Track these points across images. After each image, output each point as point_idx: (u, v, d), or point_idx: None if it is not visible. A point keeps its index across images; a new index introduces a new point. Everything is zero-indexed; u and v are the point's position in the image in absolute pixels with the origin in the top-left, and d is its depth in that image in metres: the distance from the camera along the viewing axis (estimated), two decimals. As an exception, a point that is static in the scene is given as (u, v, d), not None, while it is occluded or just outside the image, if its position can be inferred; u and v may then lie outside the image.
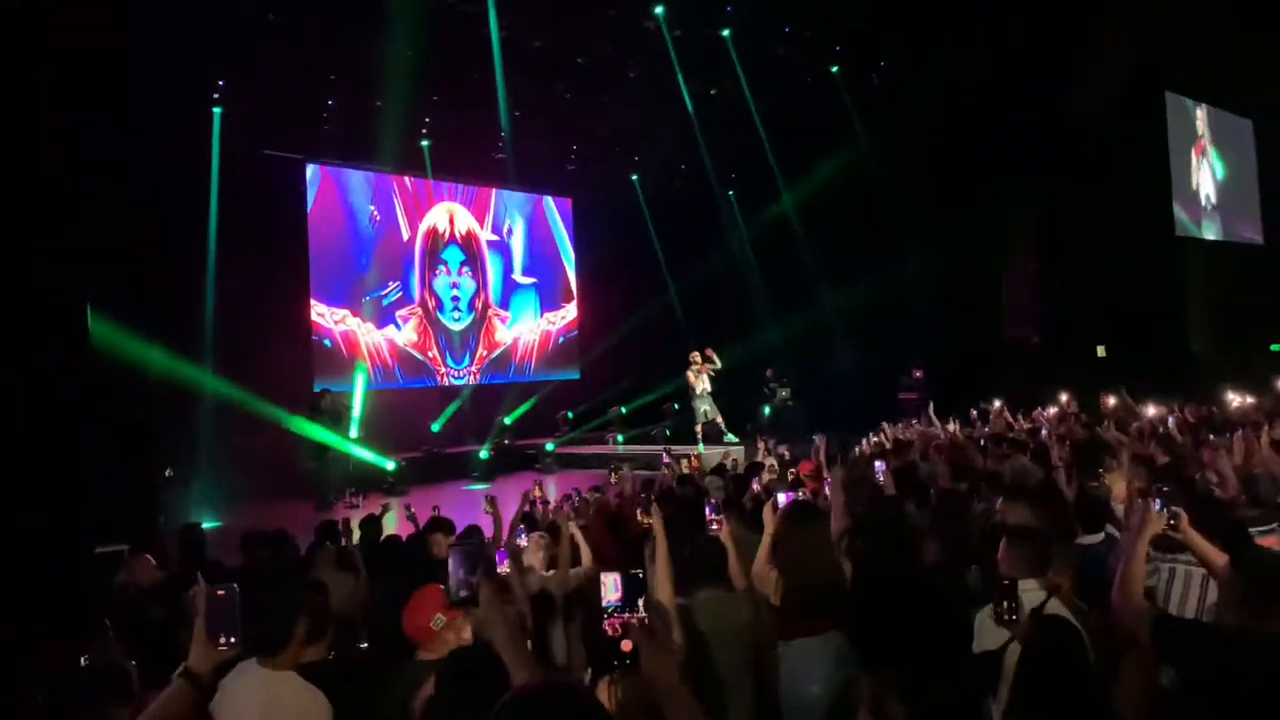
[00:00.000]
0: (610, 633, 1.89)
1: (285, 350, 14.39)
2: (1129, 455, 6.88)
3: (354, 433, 14.43)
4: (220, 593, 2.38)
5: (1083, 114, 15.23)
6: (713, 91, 15.52)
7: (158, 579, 6.14)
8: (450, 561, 2.86)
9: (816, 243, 17.86)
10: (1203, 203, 19.54)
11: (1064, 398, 11.61)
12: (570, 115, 16.02)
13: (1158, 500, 3.20)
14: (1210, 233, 19.55)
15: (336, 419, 13.92)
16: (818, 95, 15.99)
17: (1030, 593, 3.27)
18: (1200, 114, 19.39)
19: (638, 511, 6.45)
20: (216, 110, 13.08)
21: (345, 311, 15.90)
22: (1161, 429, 8.27)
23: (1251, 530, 3.87)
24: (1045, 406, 11.77)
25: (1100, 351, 16.75)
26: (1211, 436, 6.97)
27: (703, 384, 14.93)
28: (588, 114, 16.07)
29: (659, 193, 19.18)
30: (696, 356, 15.05)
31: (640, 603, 2.06)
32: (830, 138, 16.41)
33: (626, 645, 1.83)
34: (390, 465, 14.31)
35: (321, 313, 15.52)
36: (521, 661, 2.73)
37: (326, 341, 15.58)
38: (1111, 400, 10.91)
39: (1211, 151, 19.74)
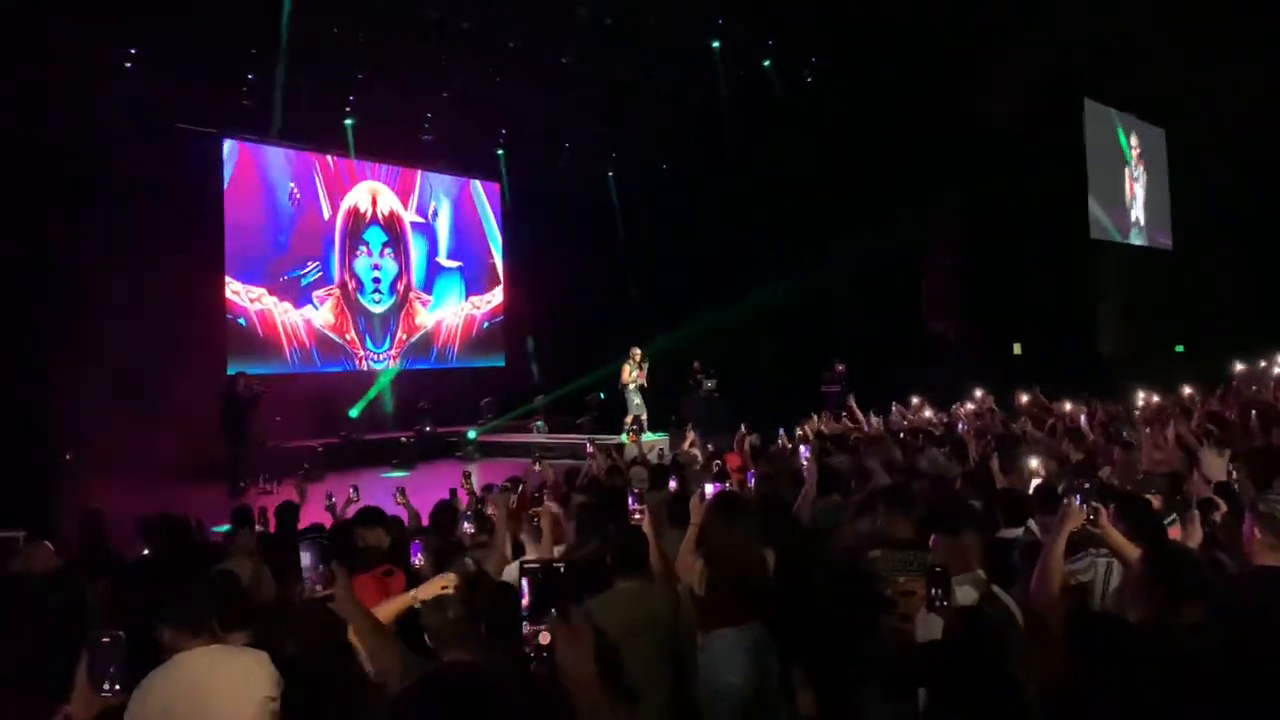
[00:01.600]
0: (527, 626, 1.85)
1: (198, 329, 13.90)
2: (1043, 451, 7.09)
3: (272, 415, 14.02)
4: (105, 640, 2.30)
5: (1005, 116, 15.59)
6: (643, 81, 15.46)
7: (56, 566, 5.87)
8: (302, 555, 2.92)
9: (744, 235, 17.97)
10: (1133, 211, 20.28)
11: (979, 393, 11.87)
12: (500, 99, 15.79)
13: (1078, 496, 3.25)
14: (1139, 238, 20.30)
15: (252, 403, 13.49)
16: (750, 89, 16.06)
17: (965, 587, 3.31)
18: (1131, 125, 20.08)
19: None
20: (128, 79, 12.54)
21: (262, 290, 15.43)
22: (1072, 424, 8.51)
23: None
24: (962, 402, 12.02)
25: (1016, 349, 17.23)
26: (1124, 433, 7.18)
27: (636, 378, 14.85)
28: (517, 99, 15.85)
29: (588, 180, 19.05)
30: (638, 353, 14.94)
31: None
32: (760, 132, 16.50)
33: (544, 638, 1.81)
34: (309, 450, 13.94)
35: (237, 290, 15.04)
36: (383, 649, 2.65)
37: (241, 320, 15.11)
38: (1025, 397, 11.20)
39: (1141, 158, 20.54)
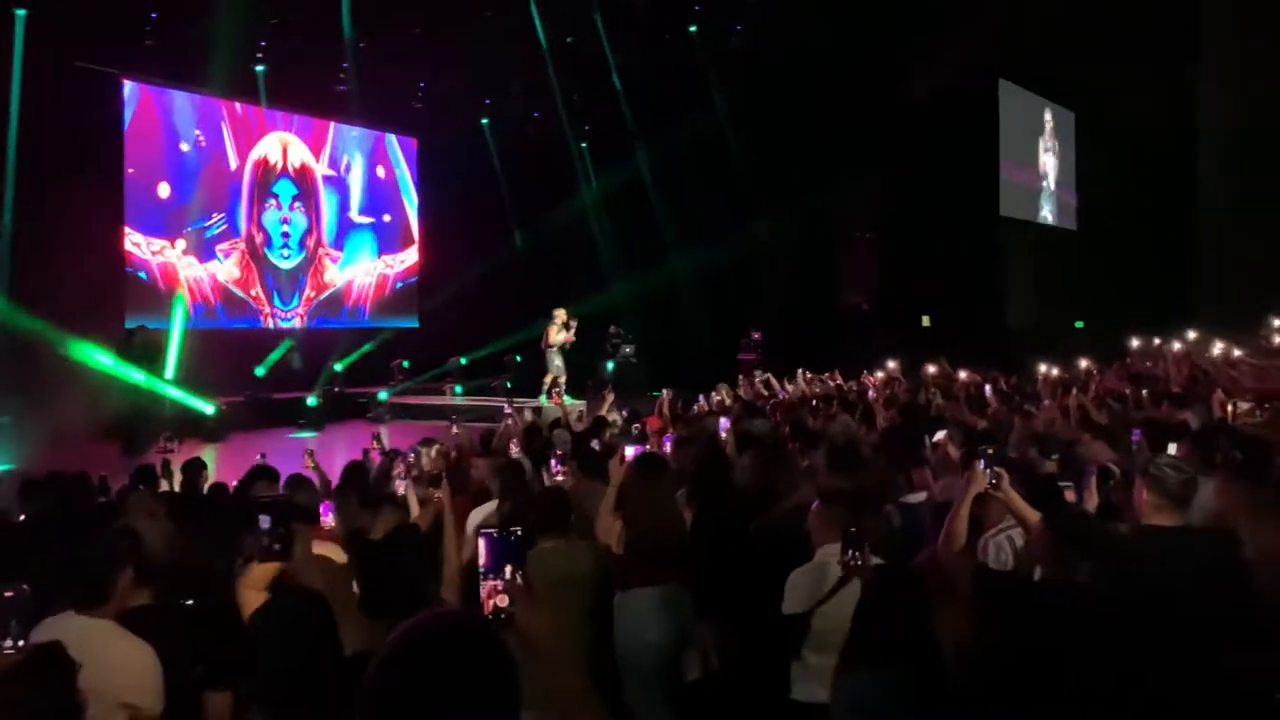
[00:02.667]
0: (485, 594, 1.83)
1: (95, 281, 13.23)
2: (949, 419, 7.29)
3: (170, 373, 13.51)
4: (8, 594, 2.26)
5: (924, 94, 15.87)
6: (569, 39, 15.25)
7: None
8: (261, 519, 2.85)
9: (666, 202, 17.94)
10: (1043, 187, 20.91)
11: (890, 364, 12.15)
12: (421, 53, 15.37)
13: (982, 461, 3.35)
14: (1046, 217, 20.98)
15: (151, 358, 12.98)
16: (676, 54, 15.99)
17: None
18: (1045, 107, 20.65)
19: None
20: (20, 12, 11.79)
21: (164, 242, 14.81)
22: (976, 393, 8.77)
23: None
24: (873, 371, 12.28)
25: (925, 321, 17.68)
26: (1027, 407, 7.42)
27: (562, 340, 14.71)
28: (439, 53, 15.45)
29: (510, 140, 18.75)
30: (562, 314, 14.74)
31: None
32: (686, 98, 16.46)
33: (502, 601, 1.80)
34: (210, 409, 13.50)
35: (137, 242, 14.40)
36: (347, 610, 2.62)
37: (141, 274, 14.49)
38: (932, 368, 11.50)
39: (1051, 139, 21.18)
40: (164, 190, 14.89)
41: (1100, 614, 2.67)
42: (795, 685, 3.43)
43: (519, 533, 1.91)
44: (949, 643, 2.85)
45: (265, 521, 2.82)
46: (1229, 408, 6.51)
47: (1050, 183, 21.40)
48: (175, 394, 13.28)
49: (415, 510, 4.95)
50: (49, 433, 10.97)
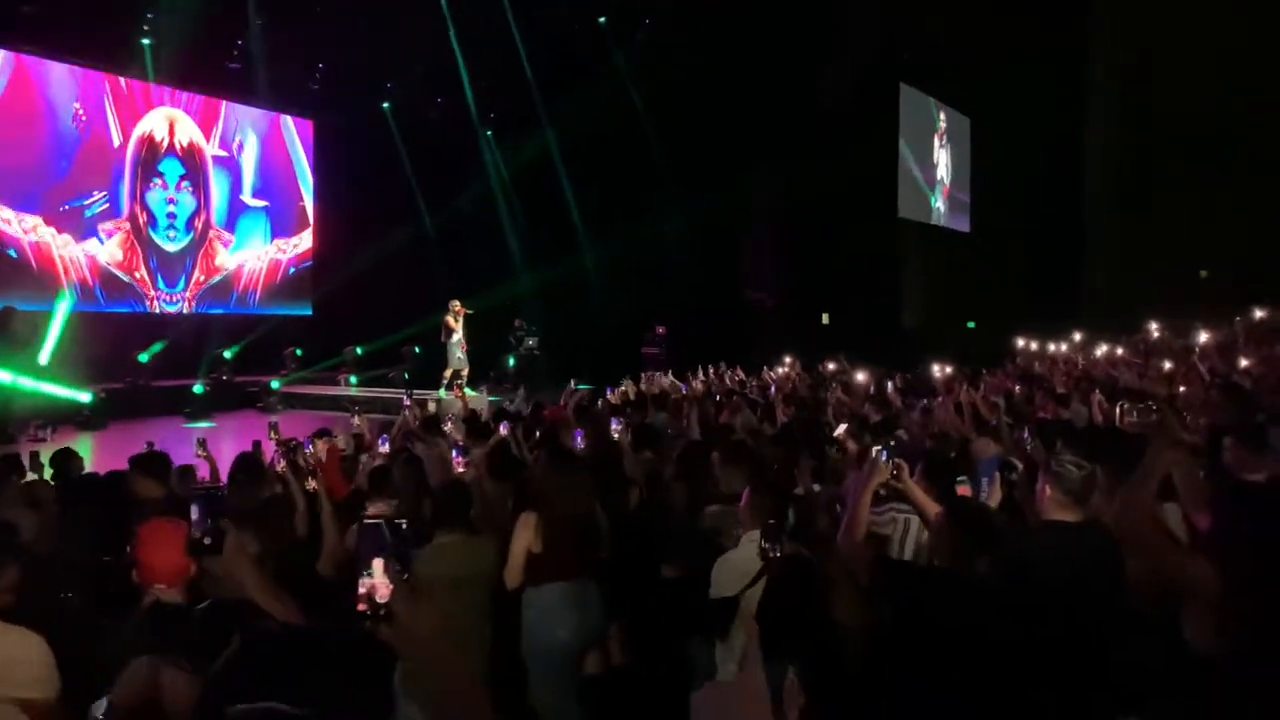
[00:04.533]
0: (362, 588, 1.74)
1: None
2: (848, 414, 7.43)
3: (44, 358, 12.77)
4: None
5: (828, 97, 16.18)
6: (476, 25, 15.00)
7: None
8: (194, 508, 2.80)
9: (573, 193, 17.85)
10: (939, 190, 21.53)
11: (789, 360, 12.33)
12: (321, 32, 14.88)
13: (884, 453, 3.39)
14: (941, 219, 21.61)
15: (22, 341, 12.24)
16: (586, 44, 15.91)
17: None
18: (941, 110, 21.28)
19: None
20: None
21: (38, 219, 13.97)
22: (873, 390, 8.97)
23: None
24: (773, 367, 12.45)
25: (824, 319, 18.03)
26: (924, 401, 7.61)
27: (460, 331, 14.43)
28: (339, 33, 14.98)
29: (412, 124, 18.33)
30: (457, 304, 14.48)
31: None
32: (596, 89, 16.38)
33: (381, 595, 1.71)
34: (87, 397, 12.81)
35: (8, 219, 13.54)
36: (276, 603, 2.51)
37: (12, 252, 13.65)
38: (832, 365, 11.72)
39: (947, 144, 21.83)
40: (38, 165, 14.04)
41: (994, 604, 2.73)
42: (722, 667, 3.43)
43: (403, 525, 1.84)
44: (847, 631, 2.88)
45: (196, 513, 2.73)
46: (1106, 407, 6.79)
47: (945, 185, 22.09)
48: (48, 380, 12.55)
49: (299, 501, 4.80)
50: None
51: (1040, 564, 3.03)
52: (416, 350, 16.37)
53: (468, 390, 14.13)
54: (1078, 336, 14.80)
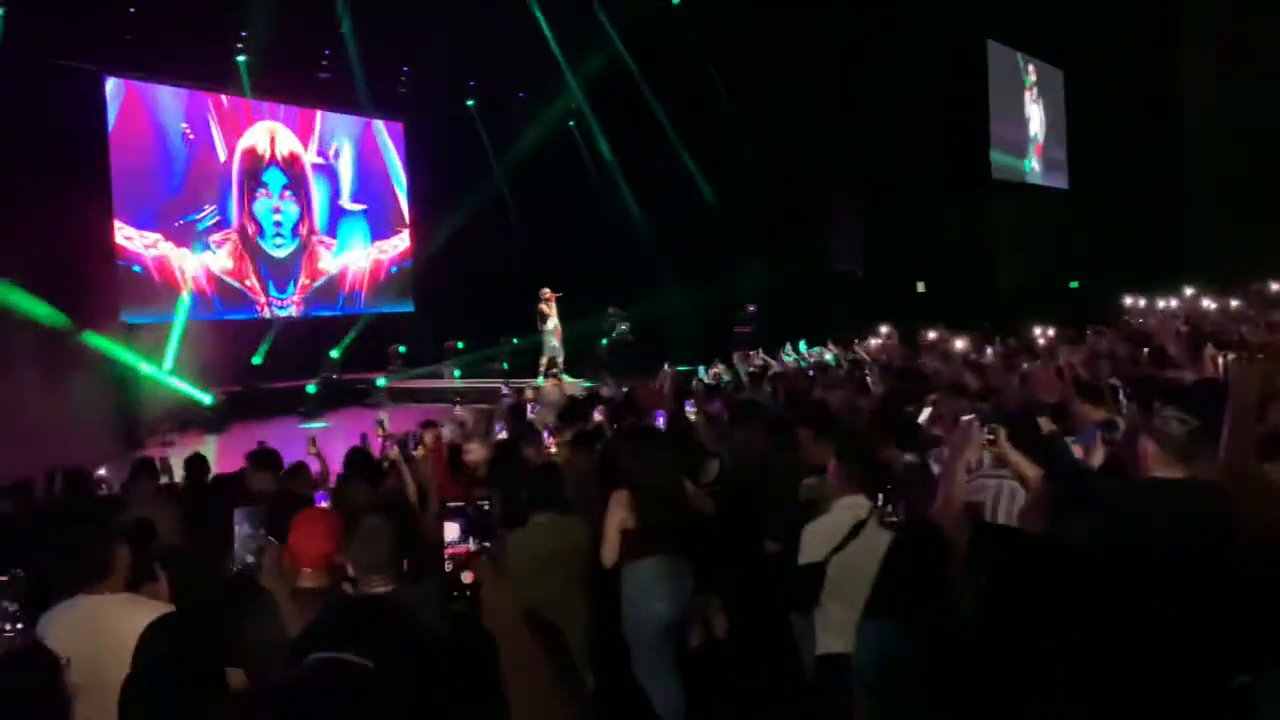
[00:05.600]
0: (450, 566, 1.85)
1: (88, 276, 13.20)
2: (946, 382, 7.34)
3: (168, 364, 13.53)
4: (3, 579, 2.28)
5: (910, 55, 15.79)
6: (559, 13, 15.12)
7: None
8: (236, 522, 2.84)
9: (650, 173, 17.84)
10: (1032, 148, 20.84)
11: (885, 330, 12.18)
12: (403, 36, 15.27)
13: (976, 418, 3.39)
14: (1037, 178, 20.91)
15: (150, 350, 13.02)
16: (669, 27, 15.90)
17: (853, 509, 3.46)
18: (1031, 65, 20.56)
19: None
20: (-1, 11, 11.71)
21: (157, 235, 14.78)
22: (974, 357, 8.81)
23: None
24: (866, 338, 12.31)
25: (920, 287, 17.66)
26: (1025, 365, 7.47)
27: (554, 319, 14.71)
28: (424, 35, 15.35)
29: (498, 121, 18.64)
30: (547, 292, 14.77)
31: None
32: (674, 64, 16.39)
33: (468, 577, 1.82)
34: (208, 399, 13.53)
35: (130, 236, 14.36)
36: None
37: (136, 268, 14.47)
38: (932, 334, 11.53)
39: (1040, 99, 21.08)
40: (154, 184, 14.83)
41: (1095, 566, 2.71)
42: (819, 638, 3.51)
43: (486, 507, 1.93)
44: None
45: (242, 527, 2.79)
46: (1220, 361, 6.53)
47: (1039, 142, 21.33)
48: (175, 385, 13.30)
49: (411, 488, 5.04)
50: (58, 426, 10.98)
51: (1141, 523, 2.97)
52: (514, 340, 16.75)
53: (565, 377, 14.41)
54: (1189, 291, 14.18)
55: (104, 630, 2.68)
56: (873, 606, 3.10)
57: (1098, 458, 3.84)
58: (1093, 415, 5.34)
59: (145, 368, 12.88)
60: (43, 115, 12.27)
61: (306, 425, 13.07)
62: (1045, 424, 4.74)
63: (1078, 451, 3.94)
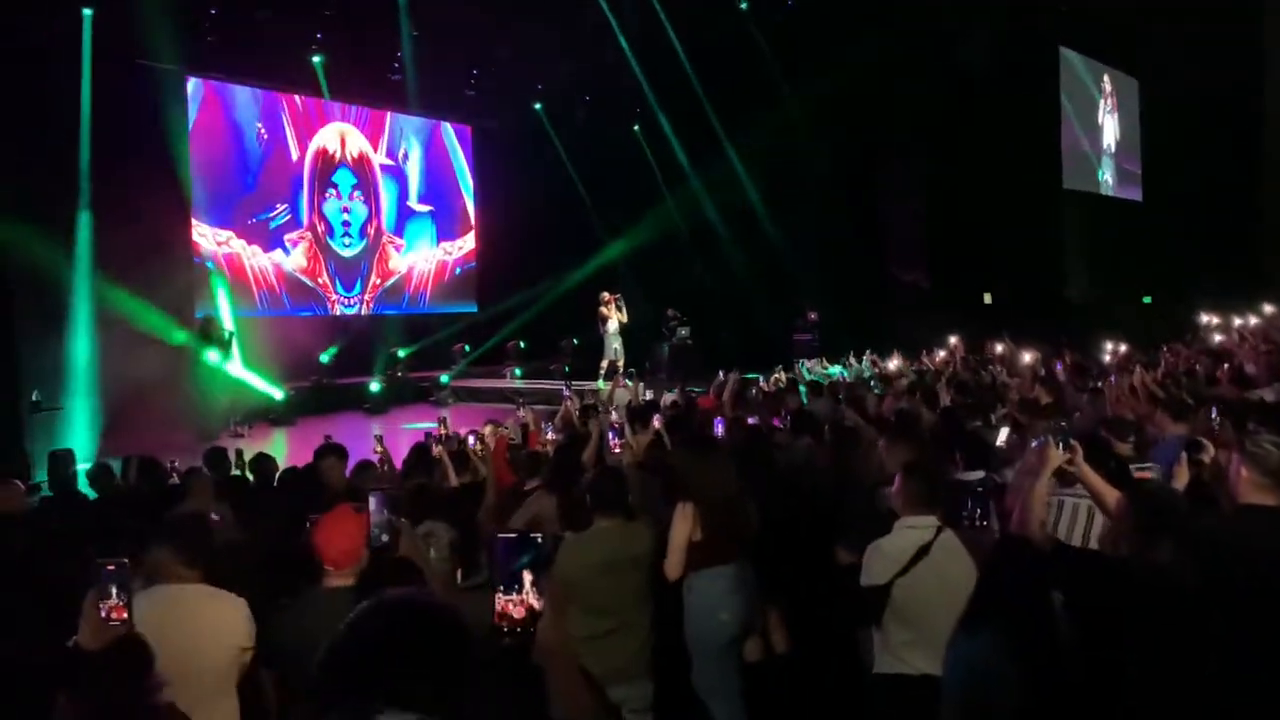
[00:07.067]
0: (500, 605, 1.80)
1: (165, 272, 13.58)
2: (1015, 397, 7.20)
3: (238, 359, 13.87)
4: (111, 567, 2.29)
5: (977, 63, 15.51)
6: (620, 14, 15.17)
7: (26, 505, 5.83)
8: (372, 504, 2.83)
9: (711, 176, 17.78)
10: (1106, 158, 20.35)
11: (953, 341, 11.98)
12: (473, 39, 15.47)
13: (1056, 438, 3.30)
14: (1109, 189, 20.41)
15: (223, 345, 13.37)
16: (725, 27, 15.87)
17: (920, 529, 3.35)
18: (1106, 75, 20.08)
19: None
20: (86, 12, 12.09)
21: (230, 233, 15.15)
22: (1044, 372, 8.62)
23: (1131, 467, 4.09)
24: (932, 350, 12.13)
25: (986, 298, 17.33)
26: (1095, 382, 7.29)
27: (615, 322, 14.76)
28: (491, 38, 15.53)
29: (564, 123, 18.78)
30: (607, 295, 14.85)
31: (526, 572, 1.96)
32: (740, 74, 16.34)
33: (519, 612, 1.79)
34: (279, 394, 13.85)
35: (204, 234, 14.75)
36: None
37: (209, 264, 14.85)
38: (999, 346, 11.32)
39: (1115, 109, 20.57)
40: (229, 182, 15.22)
41: (1182, 593, 2.63)
42: (878, 658, 3.42)
43: (539, 538, 1.88)
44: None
45: (376, 511, 2.79)
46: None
47: (1112, 152, 20.81)
48: (248, 379, 13.63)
49: (453, 481, 5.13)
50: (126, 417, 11.34)
51: (1233, 552, 2.88)
52: (575, 342, 16.86)
53: (626, 380, 14.37)
54: (1269, 309, 13.70)
55: (182, 619, 2.81)
56: (966, 623, 3.02)
57: (1182, 479, 3.71)
58: (1171, 430, 5.21)
59: (218, 362, 13.19)
60: (129, 113, 12.66)
61: (423, 425, 13.26)
62: (1124, 447, 4.65)
63: (1155, 473, 3.83)
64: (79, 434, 11.01)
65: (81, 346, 11.55)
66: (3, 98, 10.32)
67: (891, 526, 3.43)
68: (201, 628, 2.85)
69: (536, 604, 1.81)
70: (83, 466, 8.34)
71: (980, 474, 4.60)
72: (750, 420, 6.58)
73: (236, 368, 13.66)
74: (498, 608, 1.80)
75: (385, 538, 2.74)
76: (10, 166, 10.41)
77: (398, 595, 1.49)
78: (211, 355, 13.15)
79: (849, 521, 4.03)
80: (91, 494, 6.38)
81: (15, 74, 10.62)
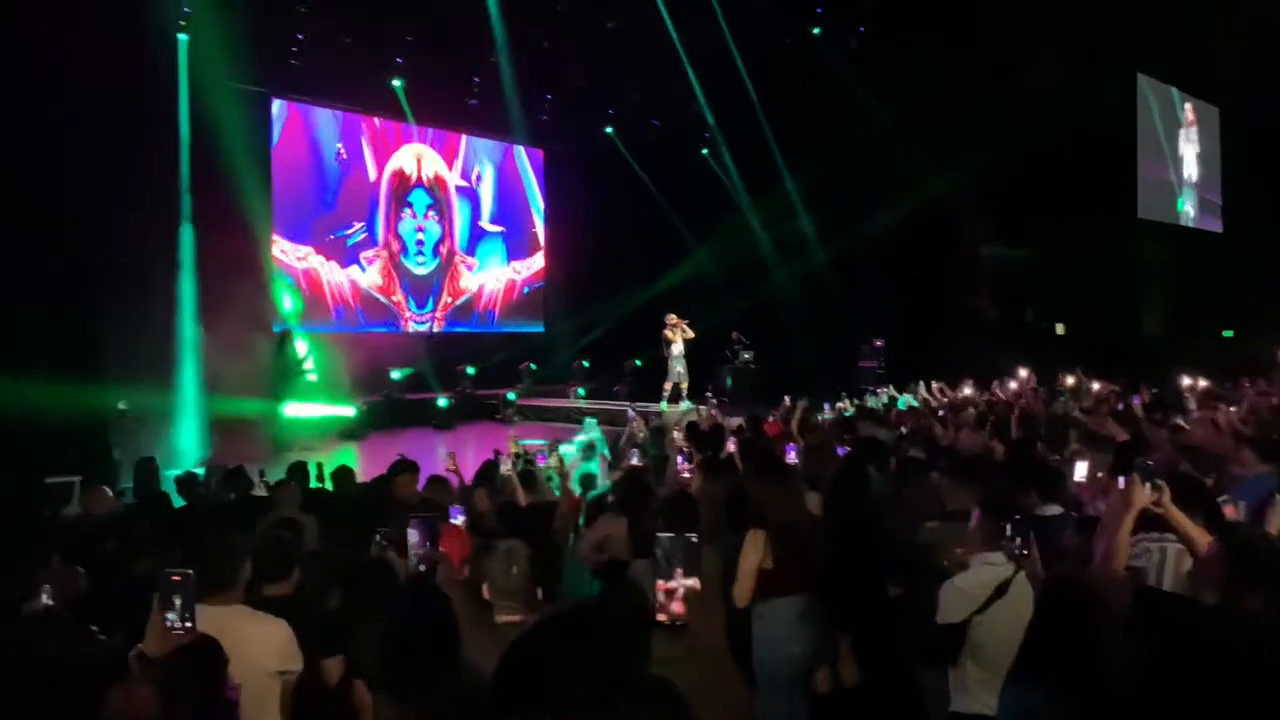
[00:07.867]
0: (662, 596, 1.88)
1: (247, 287, 14.03)
2: (1089, 433, 7.05)
3: (314, 373, 14.22)
4: (175, 577, 2.33)
5: (1055, 88, 15.28)
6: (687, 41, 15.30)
7: (114, 511, 6.06)
8: (410, 533, 2.90)
9: (779, 203, 17.77)
10: (1186, 188, 19.84)
11: (1023, 373, 11.79)
12: (546, 64, 15.74)
13: (1142, 475, 3.22)
14: (1189, 220, 19.88)
15: (301, 359, 13.74)
16: (793, 53, 15.89)
17: (998, 566, 3.31)
18: (1188, 103, 19.61)
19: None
20: (182, 37, 12.61)
21: (309, 249, 15.60)
22: (1121, 406, 8.44)
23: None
24: (1003, 380, 11.95)
25: (1059, 329, 16.98)
26: (1179, 420, 7.12)
27: (679, 344, 14.78)
28: (564, 63, 15.80)
29: (633, 148, 18.95)
30: (673, 317, 14.88)
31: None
32: (802, 101, 16.33)
33: (678, 608, 1.85)
34: (351, 411, 14.14)
35: (284, 250, 15.20)
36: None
37: (288, 279, 15.29)
38: (1070, 379, 11.11)
39: (1195, 137, 20.05)
40: (308, 200, 15.68)
41: (1272, 644, 2.58)
42: (954, 696, 3.37)
43: (695, 539, 1.95)
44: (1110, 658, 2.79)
45: (415, 538, 2.85)
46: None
47: (1192, 182, 20.26)
48: (318, 399, 13.95)
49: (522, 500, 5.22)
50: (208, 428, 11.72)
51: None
52: (637, 363, 16.91)
53: (685, 403, 14.39)
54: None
55: (229, 640, 2.75)
56: (1018, 670, 2.97)
57: (1274, 524, 3.61)
58: (1255, 469, 5.07)
59: (294, 374, 13.54)
60: (219, 132, 13.13)
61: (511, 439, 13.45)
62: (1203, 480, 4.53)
63: (1230, 512, 3.73)
64: (181, 440, 11.45)
65: (187, 360, 11.99)
66: (111, 116, 10.77)
67: (931, 561, 3.38)
68: (238, 648, 2.78)
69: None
70: (171, 472, 8.66)
71: (1058, 509, 4.54)
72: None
73: (312, 382, 13.99)
74: (660, 599, 1.85)
75: (423, 567, 2.79)
76: (111, 184, 10.83)
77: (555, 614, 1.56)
78: (293, 368, 13.50)
79: (893, 553, 4.00)
80: (178, 501, 6.62)
81: (116, 95, 11.09)
